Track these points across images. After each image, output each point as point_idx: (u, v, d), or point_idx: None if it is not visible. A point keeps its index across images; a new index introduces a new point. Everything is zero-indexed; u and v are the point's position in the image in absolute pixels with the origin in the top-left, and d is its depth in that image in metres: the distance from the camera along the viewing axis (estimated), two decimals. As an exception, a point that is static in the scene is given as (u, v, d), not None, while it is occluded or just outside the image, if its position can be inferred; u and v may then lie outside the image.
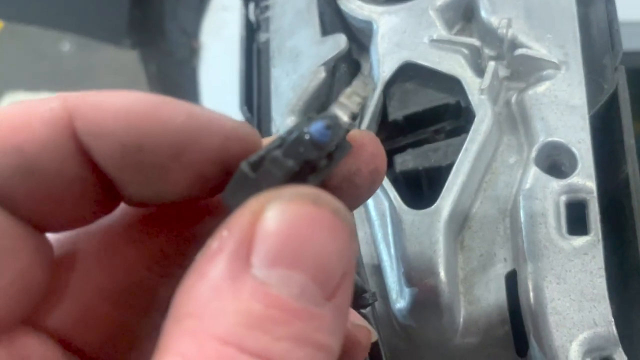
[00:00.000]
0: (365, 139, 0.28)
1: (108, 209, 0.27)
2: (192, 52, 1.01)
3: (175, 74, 1.08)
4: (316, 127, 0.23)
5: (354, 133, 0.27)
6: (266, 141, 0.26)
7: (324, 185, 0.24)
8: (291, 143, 0.23)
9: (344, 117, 0.24)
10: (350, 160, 0.27)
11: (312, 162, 0.23)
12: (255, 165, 0.23)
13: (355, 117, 0.25)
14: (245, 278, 0.20)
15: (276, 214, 0.20)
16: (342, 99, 0.25)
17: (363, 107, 0.25)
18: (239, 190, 0.23)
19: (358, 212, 0.45)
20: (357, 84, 0.26)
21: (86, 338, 0.27)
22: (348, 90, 0.25)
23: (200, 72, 1.05)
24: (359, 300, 0.34)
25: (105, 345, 0.27)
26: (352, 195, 0.28)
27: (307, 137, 0.23)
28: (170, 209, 0.28)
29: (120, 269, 0.27)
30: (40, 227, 0.25)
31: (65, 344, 0.26)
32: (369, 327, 0.29)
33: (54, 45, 2.44)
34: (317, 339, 0.20)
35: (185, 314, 0.20)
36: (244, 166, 0.23)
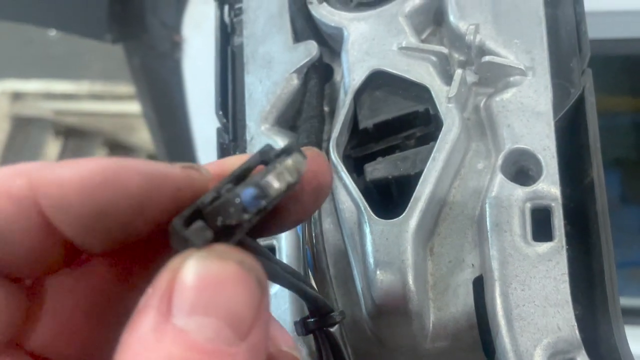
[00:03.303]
0: (308, 156, 0.29)
1: (73, 259, 0.29)
2: (174, 46, 1.01)
3: (159, 67, 1.08)
4: (247, 194, 0.25)
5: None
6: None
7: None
8: (221, 205, 0.25)
9: (277, 186, 0.26)
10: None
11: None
12: (188, 220, 0.25)
13: (291, 188, 0.27)
14: (167, 327, 0.23)
15: (190, 271, 0.24)
16: (281, 168, 0.27)
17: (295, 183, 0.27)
18: (176, 240, 0.25)
19: (332, 220, 0.46)
20: (294, 161, 0.27)
21: (64, 353, 0.29)
22: (289, 162, 0.27)
23: (183, 64, 1.06)
24: (327, 320, 0.35)
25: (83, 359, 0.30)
26: (298, 211, 0.30)
27: (237, 200, 0.25)
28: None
29: (94, 285, 0.30)
30: (10, 278, 0.27)
31: None
32: (295, 353, 0.32)
33: (40, 31, 2.42)
34: None
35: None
36: (176, 224, 0.25)
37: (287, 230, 0.40)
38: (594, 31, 0.49)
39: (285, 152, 0.28)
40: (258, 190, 0.26)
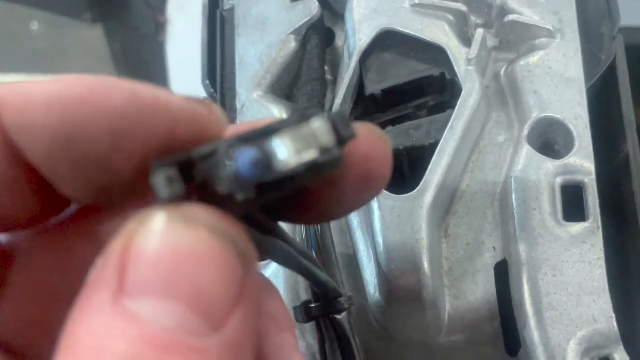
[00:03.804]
0: (359, 132, 0.21)
1: (56, 209, 0.23)
2: (158, 27, 0.96)
3: (141, 50, 1.02)
4: (244, 156, 0.19)
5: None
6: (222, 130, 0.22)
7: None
8: (212, 164, 0.19)
9: (285, 157, 0.19)
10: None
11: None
12: (171, 169, 0.19)
13: (320, 169, 0.19)
14: (117, 310, 0.17)
15: (146, 239, 0.18)
16: (303, 137, 0.19)
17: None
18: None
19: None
20: (333, 118, 0.20)
21: (33, 342, 0.24)
22: (317, 130, 0.19)
23: (167, 47, 1.00)
24: (334, 306, 0.30)
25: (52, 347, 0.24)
26: (335, 203, 0.23)
27: (229, 163, 0.19)
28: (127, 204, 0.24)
29: (73, 269, 0.24)
30: None
31: (8, 347, 0.23)
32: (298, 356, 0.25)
33: (23, 24, 2.36)
34: None
35: (65, 349, 0.18)
36: (155, 166, 0.19)
37: (317, 223, 0.34)
38: None
39: (330, 119, 0.20)
40: (258, 155, 0.19)
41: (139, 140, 0.20)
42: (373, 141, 0.22)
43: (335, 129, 0.20)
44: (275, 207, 0.23)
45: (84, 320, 0.18)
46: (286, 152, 0.19)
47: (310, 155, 0.19)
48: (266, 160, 0.19)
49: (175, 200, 0.19)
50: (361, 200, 0.24)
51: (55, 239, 0.24)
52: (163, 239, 0.18)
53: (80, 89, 0.20)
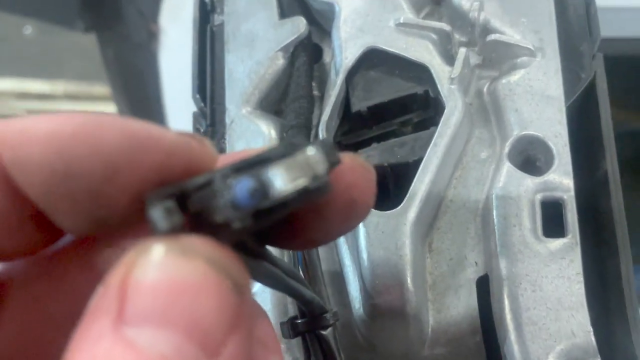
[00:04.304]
0: (343, 161, 0.23)
1: (52, 238, 0.24)
2: (150, 36, 0.96)
3: (134, 59, 1.02)
4: (242, 187, 0.20)
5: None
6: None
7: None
8: (208, 194, 0.20)
9: (281, 186, 0.20)
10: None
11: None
12: (163, 196, 0.20)
13: (309, 195, 0.20)
14: (116, 338, 0.18)
15: (147, 268, 0.19)
16: (295, 165, 0.20)
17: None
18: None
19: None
20: (322, 147, 0.21)
21: None
22: (309, 159, 0.20)
23: (160, 56, 1.00)
24: (319, 322, 0.31)
25: None
26: (320, 230, 0.24)
27: (227, 193, 0.20)
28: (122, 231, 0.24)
29: (69, 295, 0.25)
30: None
31: None
32: None
33: (16, 29, 2.36)
34: None
35: None
36: (150, 198, 0.20)
37: (304, 249, 0.35)
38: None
39: (322, 148, 0.21)
40: (255, 184, 0.20)
41: (134, 174, 0.21)
42: (357, 170, 0.24)
43: (326, 156, 0.21)
44: (264, 232, 0.24)
45: (85, 346, 0.18)
46: (281, 181, 0.20)
47: (302, 182, 0.20)
48: (263, 189, 0.20)
49: (174, 231, 0.20)
50: (346, 227, 0.25)
51: (51, 267, 0.25)
52: (162, 269, 0.19)
53: (74, 127, 0.21)
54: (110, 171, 0.21)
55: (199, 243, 0.20)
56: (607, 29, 0.45)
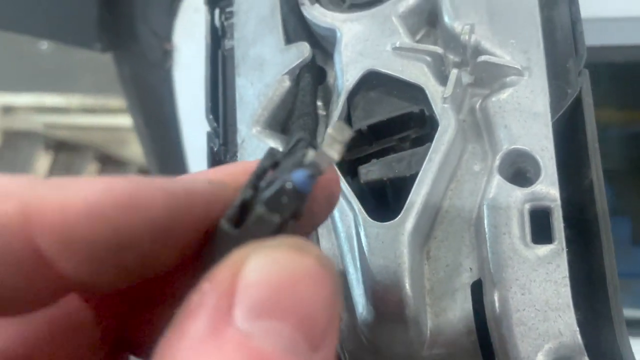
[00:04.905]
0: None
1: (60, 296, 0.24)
2: (165, 54, 1.00)
3: (150, 77, 1.06)
4: (299, 176, 0.22)
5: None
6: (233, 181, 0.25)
7: None
8: (274, 195, 0.22)
9: (324, 164, 0.23)
10: None
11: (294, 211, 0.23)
12: (234, 220, 0.22)
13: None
14: (228, 331, 0.19)
15: (259, 265, 0.20)
16: (324, 146, 0.24)
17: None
18: (223, 249, 0.21)
19: (325, 224, 0.45)
20: (336, 129, 0.24)
21: None
22: (328, 136, 0.24)
23: (175, 74, 1.04)
24: None
25: None
26: (308, 221, 0.27)
27: (289, 186, 0.22)
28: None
29: (81, 350, 0.26)
30: None
31: None
32: None
33: (32, 44, 2.41)
34: None
35: None
36: (224, 225, 0.22)
37: None
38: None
39: (296, 146, 0.25)
40: (311, 170, 0.22)
41: (182, 231, 0.22)
42: (332, 170, 0.28)
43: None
44: None
45: (189, 341, 0.19)
46: (332, 152, 0.24)
47: (338, 147, 0.24)
48: (316, 171, 0.23)
49: (274, 232, 0.22)
50: (324, 216, 0.29)
51: (62, 322, 0.25)
52: (276, 265, 0.20)
53: (119, 197, 0.20)
54: (158, 234, 0.21)
55: (308, 243, 0.21)
56: (616, 37, 0.47)
